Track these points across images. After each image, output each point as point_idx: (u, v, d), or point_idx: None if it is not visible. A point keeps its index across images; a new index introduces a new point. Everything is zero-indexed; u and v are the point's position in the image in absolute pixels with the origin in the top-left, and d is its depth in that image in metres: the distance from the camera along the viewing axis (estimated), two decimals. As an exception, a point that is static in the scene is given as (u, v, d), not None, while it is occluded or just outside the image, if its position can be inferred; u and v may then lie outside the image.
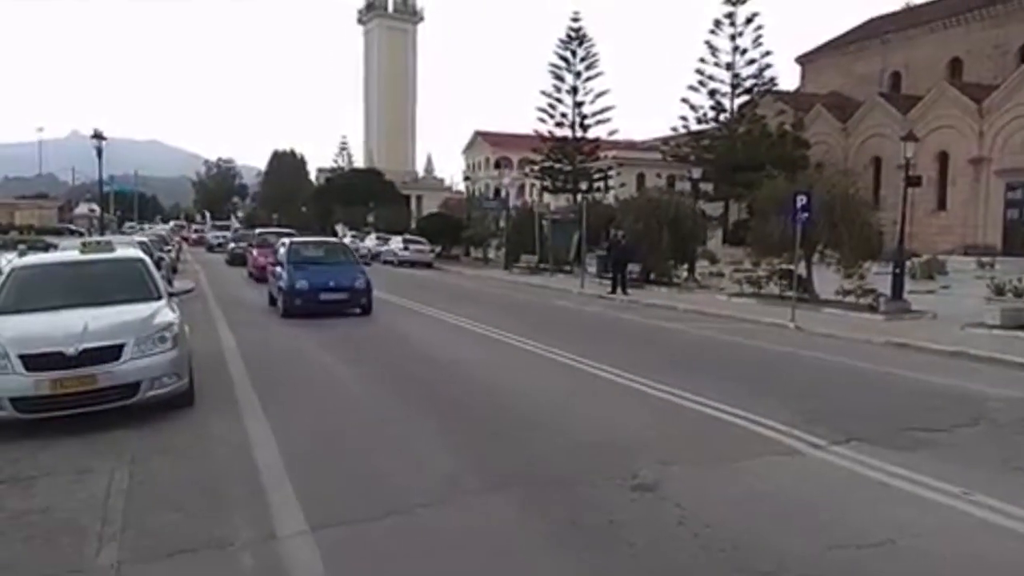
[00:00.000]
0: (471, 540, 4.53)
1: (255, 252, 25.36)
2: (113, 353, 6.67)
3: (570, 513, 4.88)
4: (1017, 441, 6.83)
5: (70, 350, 6.48)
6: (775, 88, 44.68)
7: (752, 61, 42.73)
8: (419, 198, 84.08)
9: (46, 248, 19.51)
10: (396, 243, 40.27)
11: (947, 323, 14.54)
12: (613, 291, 21.31)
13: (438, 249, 41.51)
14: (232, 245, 34.69)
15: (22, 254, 15.22)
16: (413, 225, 52.84)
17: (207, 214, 74.33)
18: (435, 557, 4.30)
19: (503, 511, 4.95)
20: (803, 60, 59.52)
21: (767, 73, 43.13)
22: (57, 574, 4.08)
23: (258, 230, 32.78)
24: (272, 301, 16.49)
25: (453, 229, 44.26)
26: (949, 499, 5.16)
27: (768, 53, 42.65)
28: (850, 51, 55.30)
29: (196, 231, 74.45)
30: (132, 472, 5.61)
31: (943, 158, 41.97)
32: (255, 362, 10.01)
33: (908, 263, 20.29)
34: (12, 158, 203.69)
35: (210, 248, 47.40)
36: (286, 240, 17.79)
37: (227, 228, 58.97)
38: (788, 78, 57.98)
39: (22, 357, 6.41)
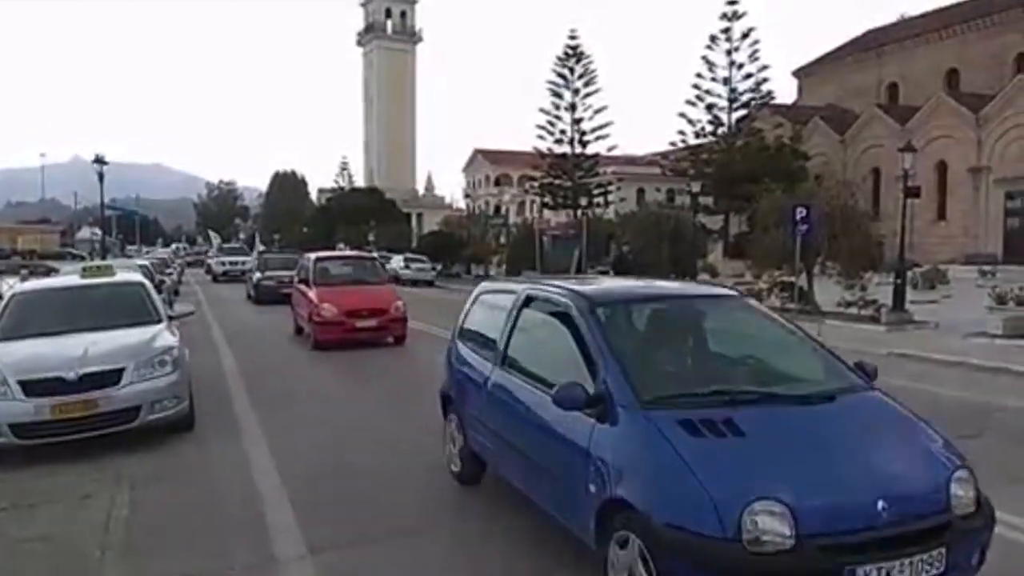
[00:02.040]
0: (474, 564, 4.49)
1: (313, 295, 13.81)
2: (113, 377, 6.66)
3: (570, 535, 4.84)
4: (1022, 452, 6.79)
5: (70, 375, 6.48)
6: (772, 101, 44.89)
7: (749, 75, 42.97)
8: (419, 216, 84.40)
9: (48, 273, 19.59)
10: (397, 261, 40.36)
11: (949, 333, 14.50)
12: None
13: (439, 267, 41.61)
14: (258, 275, 23.64)
15: (24, 279, 15.31)
16: (414, 243, 53.00)
17: (213, 235, 55.92)
18: (436, 579, 4.26)
19: (508, 534, 4.91)
20: (800, 73, 59.86)
21: (764, 87, 43.38)
22: (56, 602, 4.06)
23: (312, 255, 16.14)
24: (469, 474, 5.75)
25: (454, 247, 44.43)
26: (953, 512, 5.11)
27: (765, 67, 42.92)
28: (847, 63, 55.64)
29: (207, 254, 61.81)
30: (132, 497, 5.60)
31: (942, 168, 42.09)
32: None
33: (909, 273, 20.29)
34: (15, 183, 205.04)
35: (215, 278, 36.85)
36: (575, 303, 4.45)
37: (240, 252, 43.89)
38: (786, 91, 58.36)
39: (22, 383, 6.41)
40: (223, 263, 37.97)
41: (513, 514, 5.17)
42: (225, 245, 51.27)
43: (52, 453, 6.42)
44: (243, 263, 35.06)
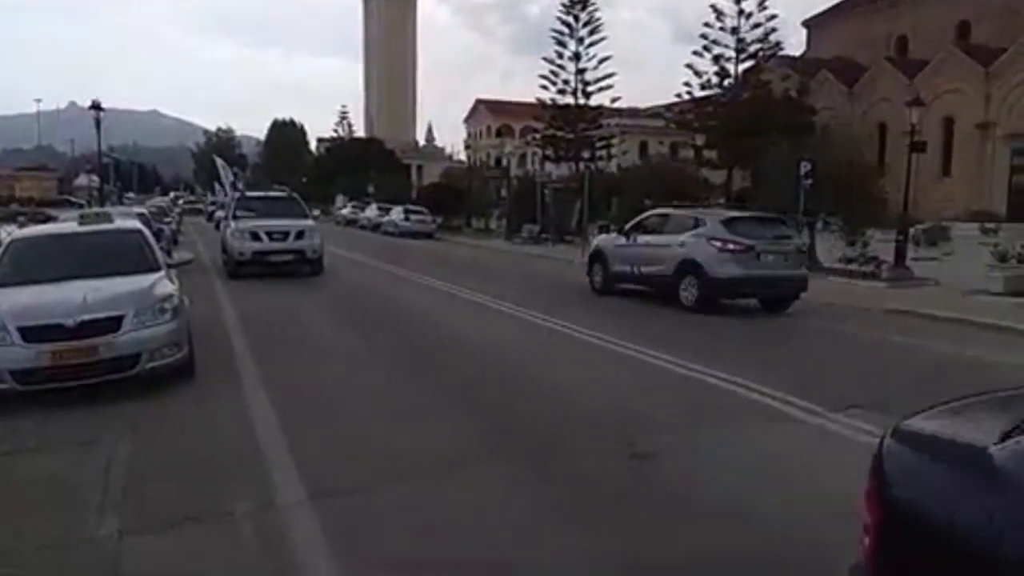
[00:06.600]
0: (471, 508, 4.55)
1: None
2: (113, 324, 6.66)
3: (569, 481, 4.90)
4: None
5: (69, 322, 6.47)
6: (781, 53, 44.00)
7: (757, 25, 42.00)
8: (419, 168, 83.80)
9: (46, 220, 19.48)
10: (397, 213, 40.06)
11: (950, 290, 14.50)
12: None
13: (439, 219, 41.38)
14: None
15: (22, 226, 15.22)
16: (414, 195, 52.67)
17: (224, 167, 32.78)
18: (435, 525, 4.32)
19: (503, 480, 4.97)
20: (809, 24, 58.76)
21: (772, 37, 42.37)
22: (60, 544, 4.11)
23: None
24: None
25: (454, 199, 44.11)
26: (947, 466, 5.16)
27: (774, 16, 41.89)
28: (857, 14, 54.51)
29: (211, 204, 51.59)
30: (133, 443, 5.63)
31: (949, 123, 41.59)
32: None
33: (911, 230, 20.20)
34: (10, 130, 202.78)
35: (235, 263, 16.65)
36: None
37: (290, 207, 18.16)
38: (794, 42, 57.27)
39: (21, 329, 6.40)
40: (254, 233, 16.62)
41: (511, 461, 5.23)
42: (252, 193, 21.69)
43: (54, 400, 6.44)
44: (298, 232, 16.84)
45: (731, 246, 11.97)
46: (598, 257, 14.79)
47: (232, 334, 9.95)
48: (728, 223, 12.48)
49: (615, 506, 4.54)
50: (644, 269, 13.46)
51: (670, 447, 5.52)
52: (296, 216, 17.41)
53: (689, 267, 12.32)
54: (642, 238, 13.80)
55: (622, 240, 14.16)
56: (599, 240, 15.82)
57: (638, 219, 14.60)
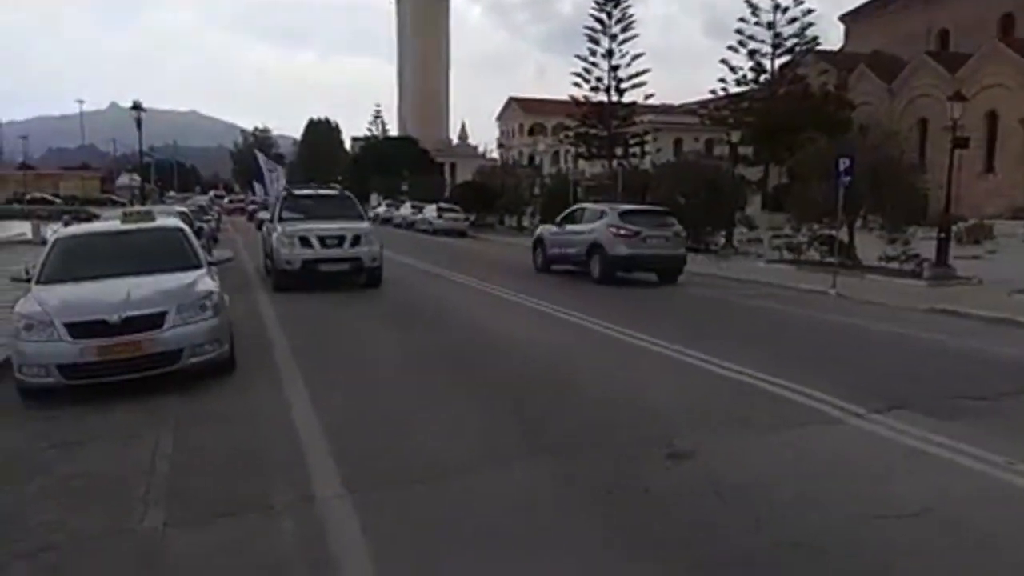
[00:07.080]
0: (508, 506, 4.55)
1: None
2: (155, 321, 6.80)
3: (605, 481, 4.88)
4: (1066, 410, 6.65)
5: (114, 318, 6.62)
6: (818, 47, 43.36)
7: (794, 19, 41.51)
8: (453, 166, 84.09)
9: (90, 218, 19.95)
10: (430, 212, 40.30)
11: (994, 289, 14.17)
12: None
13: (472, 217, 41.47)
14: None
15: (67, 224, 15.62)
16: (447, 193, 52.87)
17: (265, 162, 31.44)
18: (471, 521, 4.34)
19: (539, 478, 4.96)
20: (847, 18, 57.74)
21: (809, 32, 41.86)
22: (104, 537, 4.21)
23: None
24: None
25: (487, 197, 44.16)
26: (991, 468, 5.06)
27: (810, 11, 41.40)
28: (896, 8, 53.43)
29: (251, 203, 49.98)
30: (176, 437, 5.74)
31: (992, 118, 40.55)
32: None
33: (954, 227, 19.76)
34: (54, 130, 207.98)
35: (280, 272, 14.40)
36: None
37: (344, 208, 15.69)
38: (832, 37, 56.35)
39: (67, 325, 6.57)
40: (304, 238, 14.24)
41: (547, 459, 5.23)
42: (300, 191, 17.59)
43: (99, 394, 6.60)
44: (355, 237, 14.50)
45: (623, 231, 15.44)
46: (539, 243, 18.53)
47: (269, 326, 10.13)
48: (623, 214, 15.93)
49: (651, 507, 4.52)
50: (568, 251, 17.01)
51: (709, 447, 5.46)
52: (351, 218, 15.19)
53: (595, 249, 15.85)
54: (568, 227, 17.31)
55: (555, 229, 17.94)
56: (540, 230, 19.37)
57: (566, 212, 18.27)
